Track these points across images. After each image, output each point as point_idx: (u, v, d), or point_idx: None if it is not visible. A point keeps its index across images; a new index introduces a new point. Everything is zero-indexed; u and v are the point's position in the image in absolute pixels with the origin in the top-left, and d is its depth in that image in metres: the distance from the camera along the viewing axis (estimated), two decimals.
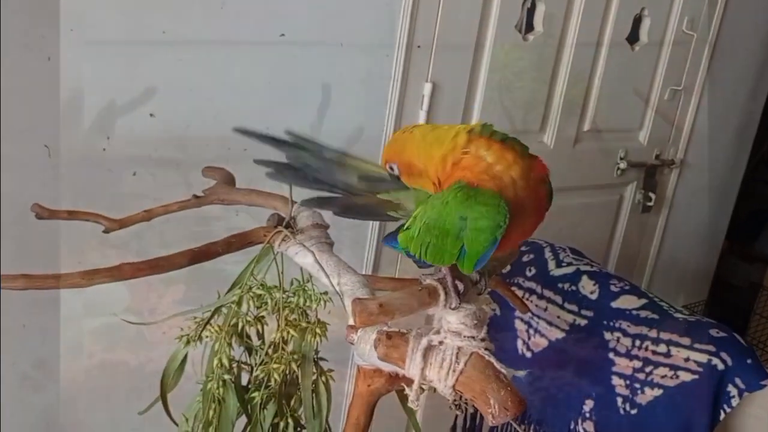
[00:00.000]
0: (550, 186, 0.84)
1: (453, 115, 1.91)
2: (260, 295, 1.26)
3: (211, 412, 1.25)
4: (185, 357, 1.30)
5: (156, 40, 1.47)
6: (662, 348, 1.41)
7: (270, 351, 1.27)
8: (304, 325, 1.23)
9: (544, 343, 1.61)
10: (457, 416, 1.69)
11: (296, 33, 1.62)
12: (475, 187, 0.77)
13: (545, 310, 1.62)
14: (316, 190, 1.03)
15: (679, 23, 2.33)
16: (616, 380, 1.46)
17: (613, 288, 1.56)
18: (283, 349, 1.26)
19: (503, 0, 1.92)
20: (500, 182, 0.77)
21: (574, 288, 1.60)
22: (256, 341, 1.30)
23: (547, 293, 1.64)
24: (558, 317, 1.59)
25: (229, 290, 1.28)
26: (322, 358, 1.24)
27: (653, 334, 1.44)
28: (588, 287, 1.58)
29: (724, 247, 3.00)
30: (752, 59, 2.63)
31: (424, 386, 0.91)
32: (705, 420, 1.34)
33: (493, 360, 0.86)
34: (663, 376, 1.40)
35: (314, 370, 1.26)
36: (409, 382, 0.90)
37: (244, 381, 1.30)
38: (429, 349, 0.87)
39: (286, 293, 1.30)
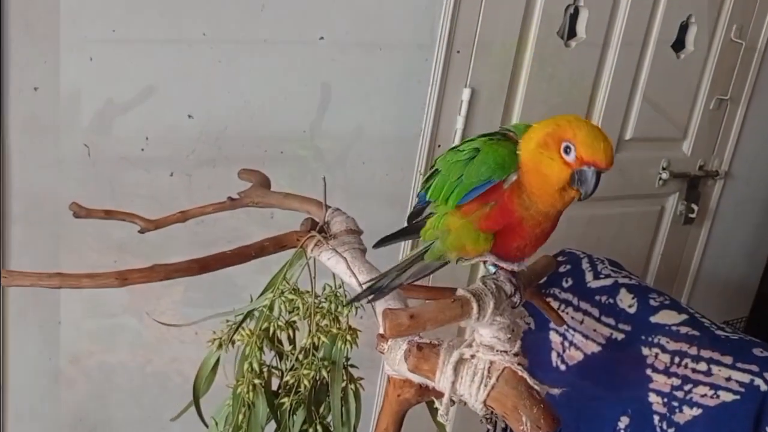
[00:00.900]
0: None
1: (491, 121, 1.89)
2: (292, 299, 1.25)
3: (240, 417, 1.24)
4: (218, 361, 1.31)
5: (196, 41, 1.47)
6: (702, 366, 1.37)
7: (300, 356, 1.27)
8: (335, 331, 1.22)
9: (579, 356, 1.58)
10: (488, 430, 1.66)
11: (335, 36, 1.62)
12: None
13: (581, 322, 1.58)
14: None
15: (727, 31, 2.27)
16: (653, 398, 1.42)
17: (652, 302, 1.51)
18: (313, 355, 1.25)
19: (545, 5, 1.89)
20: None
21: (611, 301, 1.56)
22: (287, 346, 1.30)
23: (584, 305, 1.60)
24: (594, 330, 1.56)
25: (262, 294, 1.28)
26: (352, 365, 1.23)
27: (693, 351, 1.39)
28: (626, 300, 1.54)
29: None
30: None
31: (454, 399, 0.89)
32: None
33: (526, 376, 0.84)
34: (703, 395, 1.36)
35: (344, 377, 1.25)
36: (439, 394, 0.89)
37: (274, 386, 1.29)
38: (460, 362, 0.85)
39: (318, 298, 1.29)
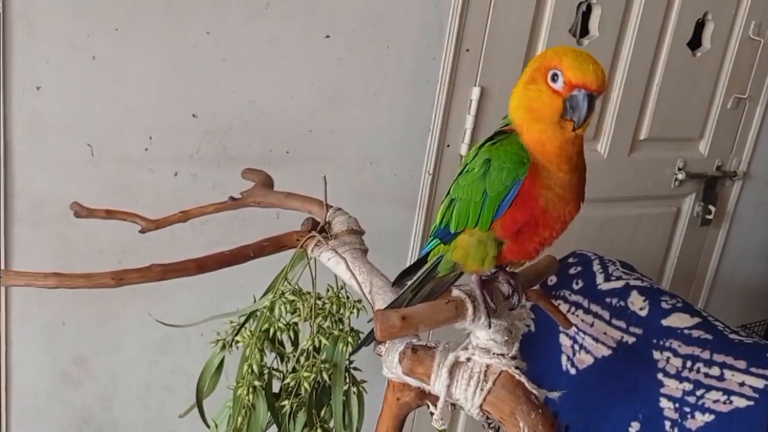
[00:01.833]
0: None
1: None
2: (293, 300, 1.24)
3: (239, 419, 1.23)
4: (221, 362, 1.29)
5: (200, 40, 1.46)
6: (715, 371, 1.33)
7: (301, 359, 1.25)
8: (336, 333, 1.20)
9: (589, 360, 1.54)
10: None
11: (341, 35, 1.60)
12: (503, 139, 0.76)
13: (591, 325, 1.55)
14: None
15: (745, 28, 2.22)
16: (664, 403, 1.38)
17: (664, 305, 1.47)
18: (314, 357, 1.23)
19: (557, 3, 1.86)
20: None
21: (622, 303, 1.52)
22: (289, 348, 1.28)
23: (594, 308, 1.57)
24: (605, 333, 1.52)
25: (264, 294, 1.26)
26: (356, 368, 1.21)
27: (706, 355, 1.35)
28: (637, 303, 1.50)
29: None
30: None
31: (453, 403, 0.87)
32: None
33: (524, 380, 0.81)
34: (715, 401, 1.32)
35: (346, 380, 1.23)
36: (436, 399, 0.86)
37: (276, 388, 1.27)
38: (456, 365, 0.83)
39: (321, 299, 1.27)
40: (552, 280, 1.70)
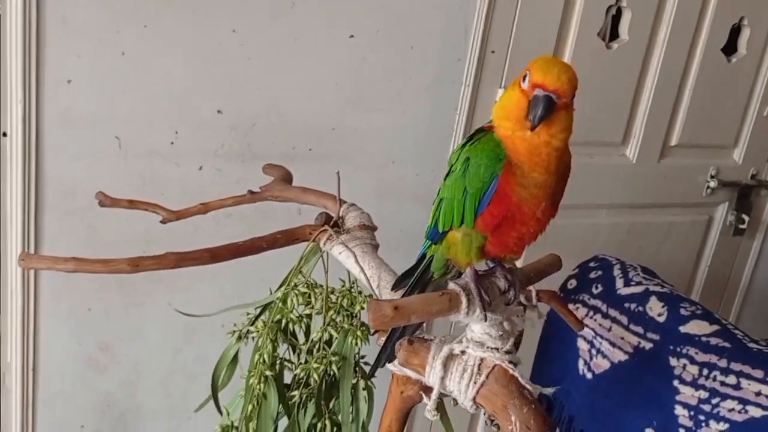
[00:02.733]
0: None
1: None
2: (305, 293, 1.26)
3: (250, 407, 1.25)
4: (237, 353, 1.32)
5: (226, 38, 1.50)
6: (731, 379, 1.31)
7: (313, 350, 1.27)
8: (346, 326, 1.21)
9: (606, 365, 1.53)
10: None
11: (366, 34, 1.62)
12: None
13: (609, 330, 1.54)
14: None
15: None
16: (679, 410, 1.36)
17: (683, 311, 1.46)
18: (324, 349, 1.25)
19: (586, 6, 1.85)
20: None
21: (641, 309, 1.51)
22: (302, 340, 1.30)
23: (613, 313, 1.55)
24: (622, 338, 1.51)
25: (280, 287, 1.29)
26: (366, 363, 1.22)
27: (723, 363, 1.33)
28: (656, 309, 1.49)
29: None
30: None
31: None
32: None
33: (517, 374, 0.82)
34: (730, 410, 1.30)
35: (356, 373, 1.24)
36: (431, 390, 0.87)
37: (288, 379, 1.30)
38: (450, 357, 0.84)
39: (333, 293, 1.29)
40: (572, 283, 1.69)
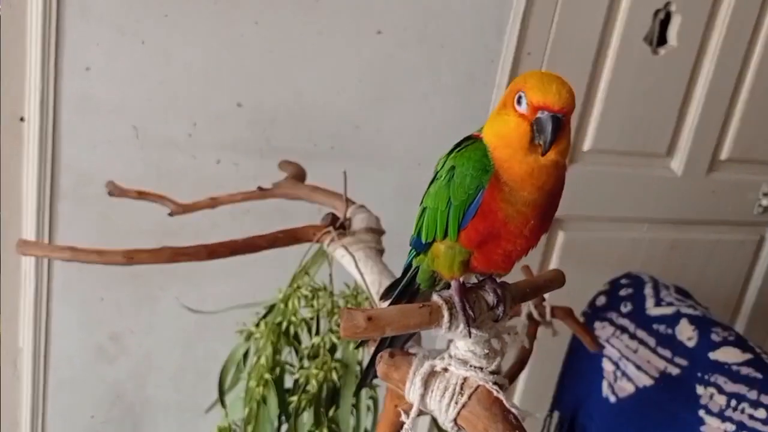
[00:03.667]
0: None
1: None
2: (306, 296, 1.21)
3: (247, 410, 1.22)
4: (246, 353, 1.29)
5: (248, 30, 1.47)
6: (761, 413, 1.21)
7: (312, 355, 1.22)
8: None
9: (630, 388, 1.44)
10: None
11: (394, 31, 1.57)
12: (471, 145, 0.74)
13: (635, 351, 1.45)
14: None
15: None
16: None
17: (714, 337, 1.35)
18: (326, 356, 1.20)
19: (631, 8, 1.75)
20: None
21: (670, 331, 1.41)
22: (306, 343, 1.26)
23: (641, 334, 1.46)
24: (648, 362, 1.41)
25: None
26: None
27: (753, 395, 1.23)
28: (686, 332, 1.39)
29: None
30: None
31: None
32: None
33: (502, 397, 0.75)
34: None
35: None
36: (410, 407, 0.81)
37: (289, 383, 1.26)
38: (432, 375, 0.78)
39: (337, 297, 1.25)
40: (601, 300, 1.60)
